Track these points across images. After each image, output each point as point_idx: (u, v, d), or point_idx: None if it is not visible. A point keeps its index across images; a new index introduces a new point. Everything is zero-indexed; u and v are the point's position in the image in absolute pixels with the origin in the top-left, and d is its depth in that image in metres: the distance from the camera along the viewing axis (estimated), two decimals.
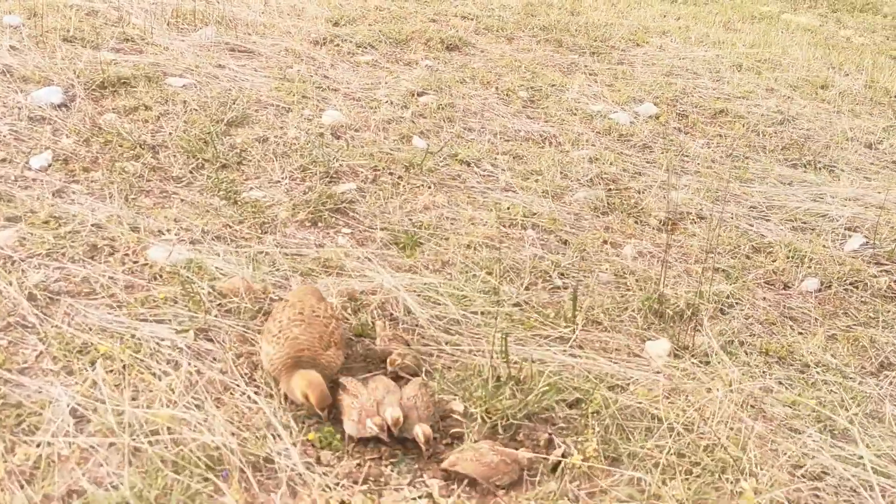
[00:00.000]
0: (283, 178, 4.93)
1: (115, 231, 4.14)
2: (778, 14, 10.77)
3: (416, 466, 3.12)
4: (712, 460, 3.32)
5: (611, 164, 5.77)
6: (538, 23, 8.59)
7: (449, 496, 2.99)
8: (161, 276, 3.88)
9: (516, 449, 3.20)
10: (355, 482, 3.00)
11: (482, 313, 3.94)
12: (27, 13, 6.44)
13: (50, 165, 4.66)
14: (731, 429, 3.47)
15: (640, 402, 3.56)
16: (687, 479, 3.23)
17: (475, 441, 3.20)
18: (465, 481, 3.06)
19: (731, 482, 3.24)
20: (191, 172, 4.85)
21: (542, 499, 3.04)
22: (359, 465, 3.08)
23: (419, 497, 2.96)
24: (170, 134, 5.14)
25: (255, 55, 6.66)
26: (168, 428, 3.01)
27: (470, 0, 8.96)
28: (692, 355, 3.91)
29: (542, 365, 3.62)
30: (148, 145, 5.00)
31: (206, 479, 2.87)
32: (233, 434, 3.04)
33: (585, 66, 7.66)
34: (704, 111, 7.01)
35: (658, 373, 3.75)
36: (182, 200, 4.58)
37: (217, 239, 4.25)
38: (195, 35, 6.71)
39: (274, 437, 3.09)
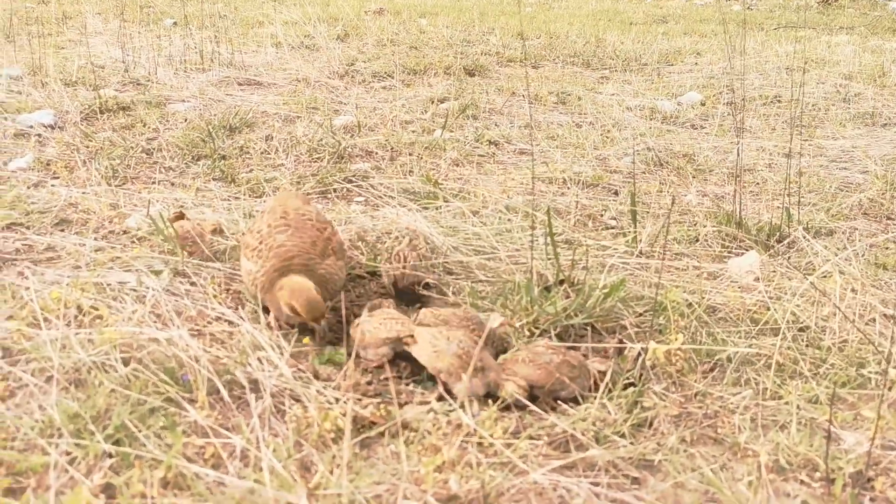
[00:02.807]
0: (287, 162, 4.38)
1: (91, 205, 3.59)
2: (803, 38, 10.26)
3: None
4: (844, 357, 2.49)
5: (658, 136, 5.12)
6: (563, 52, 8.18)
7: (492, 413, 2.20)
8: (137, 239, 3.27)
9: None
10: (364, 395, 2.24)
11: (520, 239, 3.22)
12: (29, 69, 6.19)
13: (30, 168, 4.19)
14: (866, 324, 2.65)
15: (732, 308, 2.76)
16: (815, 377, 2.40)
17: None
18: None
19: (877, 374, 2.40)
20: (185, 164, 4.33)
21: (621, 398, 2.23)
22: (369, 382, 2.33)
23: (451, 410, 2.18)
24: (167, 141, 4.65)
25: (266, 86, 6.28)
26: (121, 348, 2.32)
27: (492, 39, 8.63)
28: (789, 266, 3.12)
29: (601, 272, 2.87)
30: (141, 147, 4.52)
31: (164, 395, 2.15)
32: (205, 351, 2.33)
33: (617, 78, 7.15)
34: (755, 99, 6.37)
35: (750, 272, 2.95)
36: (172, 184, 4.04)
37: (208, 208, 3.66)
38: (202, 76, 6.39)
39: (258, 357, 2.36)
